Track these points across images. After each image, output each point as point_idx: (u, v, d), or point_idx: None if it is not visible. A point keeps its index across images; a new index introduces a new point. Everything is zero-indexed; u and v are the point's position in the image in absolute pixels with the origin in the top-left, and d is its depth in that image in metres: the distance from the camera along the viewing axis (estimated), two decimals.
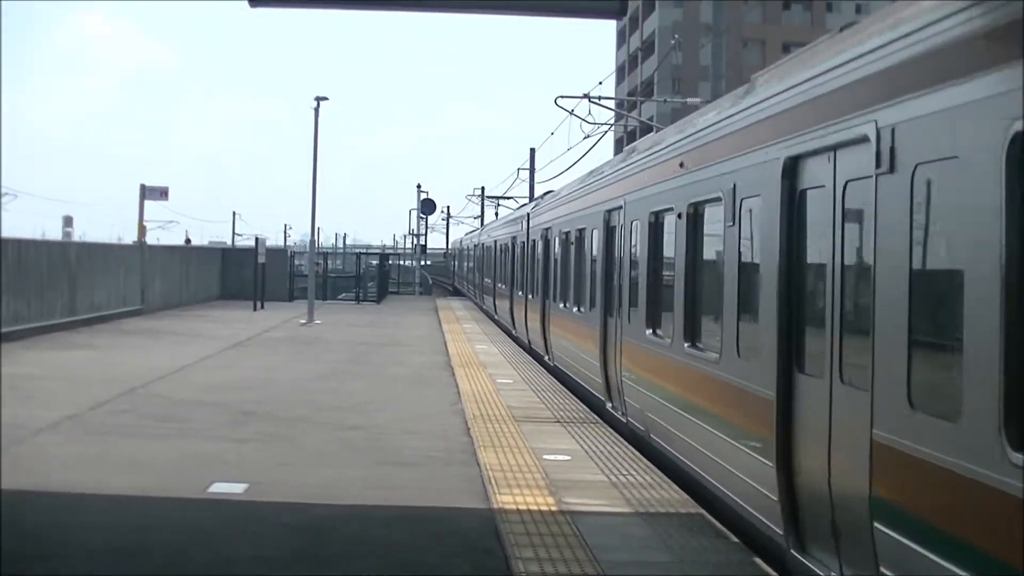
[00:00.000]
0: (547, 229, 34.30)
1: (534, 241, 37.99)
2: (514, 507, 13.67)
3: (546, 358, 32.81)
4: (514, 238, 45.73)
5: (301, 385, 25.92)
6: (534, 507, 13.68)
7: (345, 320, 51.54)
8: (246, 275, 60.48)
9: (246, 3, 11.19)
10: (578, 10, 10.99)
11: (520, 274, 41.97)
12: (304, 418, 20.81)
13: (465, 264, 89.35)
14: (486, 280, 61.31)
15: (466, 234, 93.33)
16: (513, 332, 43.59)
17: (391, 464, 16.60)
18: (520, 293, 41.11)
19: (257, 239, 62.16)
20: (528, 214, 40.70)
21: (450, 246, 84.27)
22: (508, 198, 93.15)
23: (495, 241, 56.23)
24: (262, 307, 56.17)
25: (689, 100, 47.04)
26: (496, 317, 53.38)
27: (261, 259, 58.05)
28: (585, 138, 45.17)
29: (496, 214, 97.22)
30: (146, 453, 16.95)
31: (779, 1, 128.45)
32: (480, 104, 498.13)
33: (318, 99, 53.82)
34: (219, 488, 14.49)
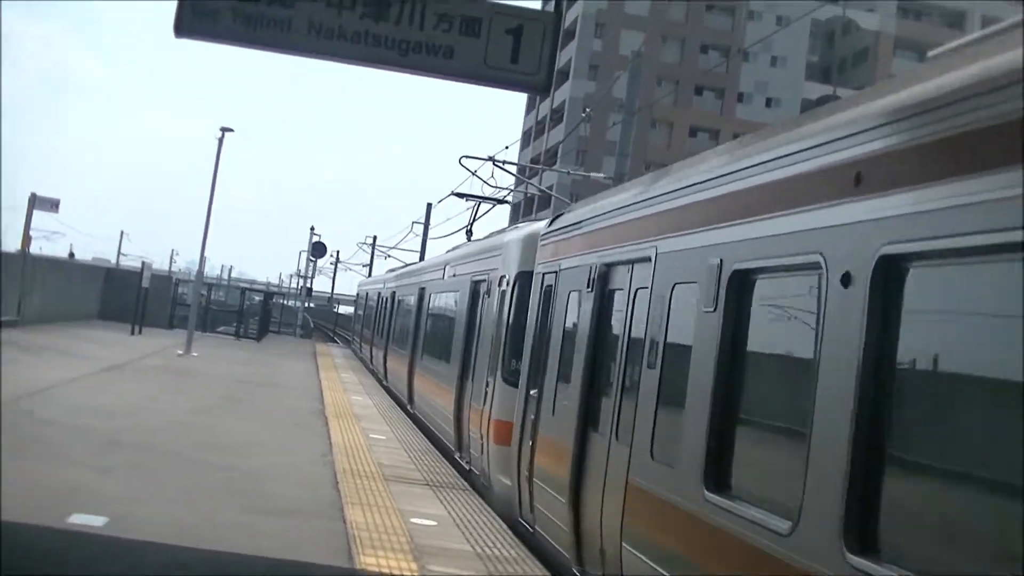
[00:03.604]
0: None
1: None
2: (377, 569, 13.51)
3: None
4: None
5: (172, 418, 25.57)
6: (397, 571, 13.53)
7: (223, 355, 51.06)
8: (128, 297, 59.59)
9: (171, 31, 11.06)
10: (504, 80, 10.96)
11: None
12: (172, 453, 20.50)
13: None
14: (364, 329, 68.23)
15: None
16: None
17: (257, 511, 16.36)
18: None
19: (144, 264, 61.58)
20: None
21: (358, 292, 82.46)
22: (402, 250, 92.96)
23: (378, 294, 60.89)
24: (140, 332, 55.48)
25: (592, 175, 47.22)
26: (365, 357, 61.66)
27: (145, 283, 57.41)
28: (484, 200, 45.17)
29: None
30: (4, 474, 16.55)
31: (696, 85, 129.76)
32: (382, 154, 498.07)
33: (223, 129, 53.54)
34: (78, 519, 14.15)
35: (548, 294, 17.15)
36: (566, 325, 15.79)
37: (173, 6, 11.01)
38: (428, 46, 10.79)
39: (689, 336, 10.62)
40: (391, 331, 46.65)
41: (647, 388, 11.59)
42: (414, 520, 16.98)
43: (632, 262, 12.92)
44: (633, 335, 12.55)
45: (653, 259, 11.93)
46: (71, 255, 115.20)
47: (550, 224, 18.95)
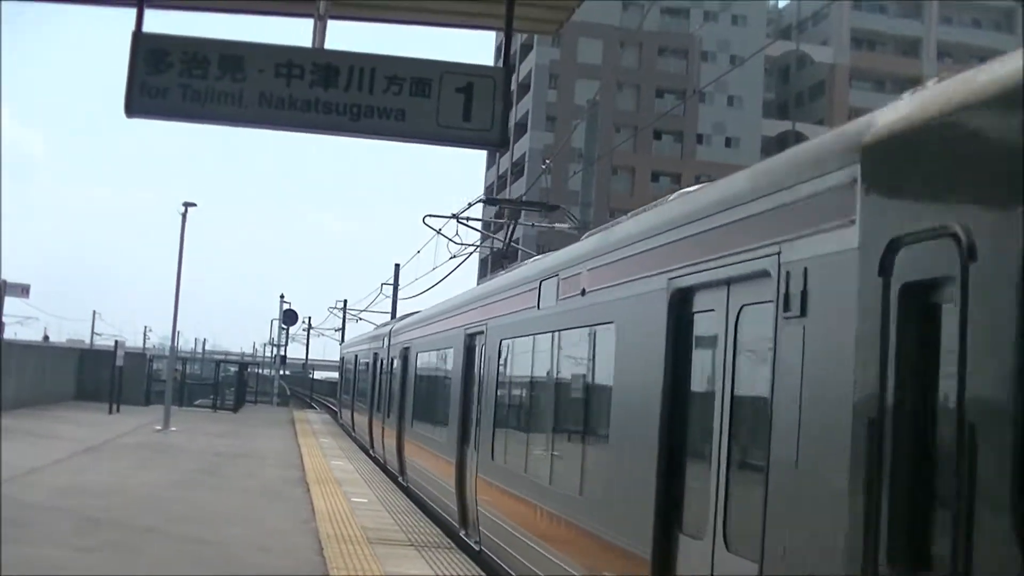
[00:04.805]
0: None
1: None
2: None
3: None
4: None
5: (152, 494, 25.52)
6: None
7: (201, 428, 50.89)
8: (103, 376, 59.59)
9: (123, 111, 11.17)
10: (457, 139, 11.14)
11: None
12: (154, 529, 20.47)
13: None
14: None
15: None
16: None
17: None
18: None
19: (117, 342, 61.48)
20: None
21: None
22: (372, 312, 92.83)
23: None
24: (118, 410, 55.30)
25: (557, 225, 47.38)
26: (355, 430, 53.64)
27: (119, 362, 57.30)
28: (452, 257, 45.36)
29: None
30: None
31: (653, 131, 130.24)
32: (347, 217, 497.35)
33: (186, 204, 53.61)
34: None
35: None
36: None
37: (123, 84, 11.16)
38: (379, 110, 10.95)
39: None
40: (408, 409, 33.04)
41: None
42: None
43: None
44: None
45: None
46: (45, 338, 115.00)
47: None
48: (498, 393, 19.97)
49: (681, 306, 10.61)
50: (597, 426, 13.45)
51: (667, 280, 10.82)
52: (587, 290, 13.81)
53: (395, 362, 37.64)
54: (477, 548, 20.20)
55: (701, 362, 10.40)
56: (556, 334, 15.86)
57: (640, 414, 11.25)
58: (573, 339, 14.93)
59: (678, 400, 10.61)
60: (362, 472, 34.64)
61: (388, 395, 38.57)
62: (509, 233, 33.09)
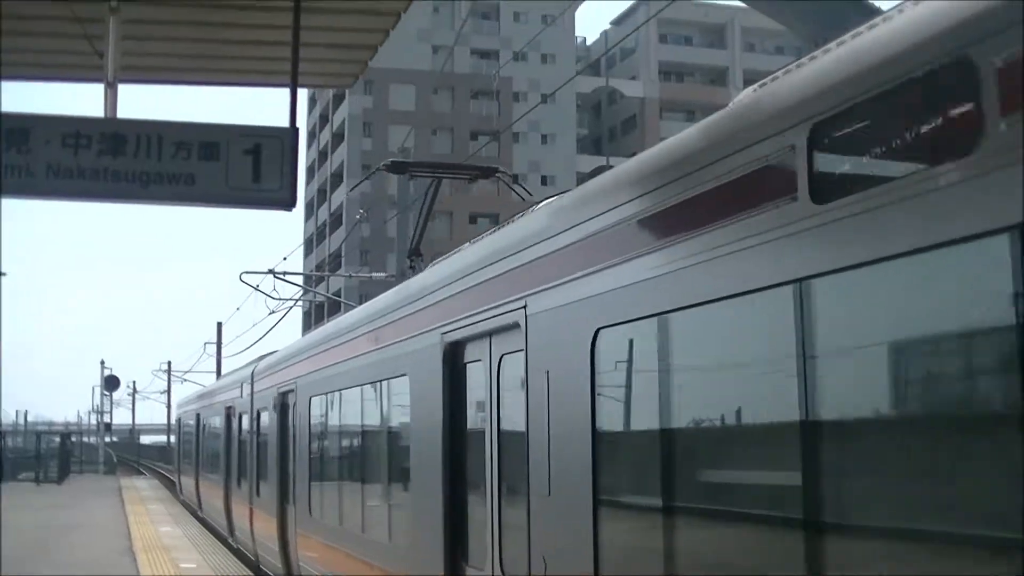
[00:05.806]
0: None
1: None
2: None
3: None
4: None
5: None
6: None
7: (23, 503, 49.65)
8: None
9: None
10: (247, 200, 11.09)
11: None
12: None
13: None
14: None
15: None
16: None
17: None
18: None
19: None
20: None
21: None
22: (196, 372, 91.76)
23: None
24: None
25: (375, 275, 47.30)
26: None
27: None
28: (271, 313, 45.04)
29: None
30: None
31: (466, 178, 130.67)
32: (167, 277, 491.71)
33: None
34: None
35: None
36: None
37: None
38: (169, 176, 10.86)
39: None
40: (298, 484, 20.28)
41: None
42: None
43: None
44: None
45: None
46: None
47: None
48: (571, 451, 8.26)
49: None
50: None
51: None
52: None
53: (265, 416, 25.90)
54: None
55: None
56: None
57: None
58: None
59: None
60: (191, 536, 34.11)
61: (256, 464, 27.44)
62: (431, 195, 18.89)
